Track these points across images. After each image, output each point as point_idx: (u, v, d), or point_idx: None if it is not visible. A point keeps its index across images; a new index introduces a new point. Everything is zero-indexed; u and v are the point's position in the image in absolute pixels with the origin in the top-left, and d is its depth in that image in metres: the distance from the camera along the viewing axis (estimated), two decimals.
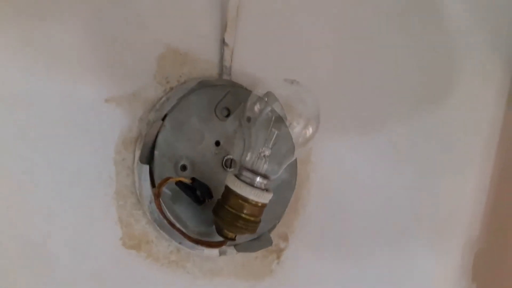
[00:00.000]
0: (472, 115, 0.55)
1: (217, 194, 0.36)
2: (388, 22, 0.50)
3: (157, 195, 0.34)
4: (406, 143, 0.51)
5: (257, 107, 0.38)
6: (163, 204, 0.36)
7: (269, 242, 0.41)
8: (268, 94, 0.39)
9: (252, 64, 0.43)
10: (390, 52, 0.50)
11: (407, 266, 0.51)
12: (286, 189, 0.42)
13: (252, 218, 0.35)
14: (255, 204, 0.35)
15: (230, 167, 0.40)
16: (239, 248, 0.40)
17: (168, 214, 0.37)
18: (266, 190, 0.36)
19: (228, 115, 0.40)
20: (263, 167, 0.36)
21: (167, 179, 0.34)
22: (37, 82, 0.35)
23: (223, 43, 0.41)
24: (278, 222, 0.43)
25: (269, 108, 0.38)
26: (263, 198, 0.36)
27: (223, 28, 0.41)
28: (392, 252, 0.49)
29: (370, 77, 0.49)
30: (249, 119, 0.39)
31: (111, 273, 0.37)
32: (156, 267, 0.38)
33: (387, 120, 0.50)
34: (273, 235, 0.43)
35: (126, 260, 0.37)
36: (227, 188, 0.36)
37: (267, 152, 0.37)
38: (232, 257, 0.41)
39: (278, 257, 0.44)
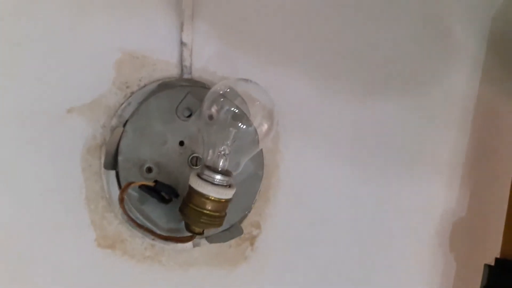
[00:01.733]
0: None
1: (185, 192, 0.38)
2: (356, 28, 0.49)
3: (121, 200, 0.36)
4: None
5: (215, 105, 0.39)
6: (130, 207, 0.38)
7: (240, 232, 0.43)
8: (230, 90, 0.40)
9: (212, 61, 0.43)
10: (356, 43, 0.50)
11: (377, 259, 0.51)
12: (253, 180, 0.44)
13: (216, 214, 0.37)
14: (218, 201, 0.37)
15: (196, 164, 0.41)
16: (211, 239, 0.42)
17: (138, 215, 0.39)
18: (229, 186, 0.38)
19: (190, 115, 0.41)
20: (224, 164, 0.38)
21: (129, 184, 0.36)
22: None
23: (181, 42, 0.42)
24: (249, 212, 0.45)
25: (227, 107, 0.39)
26: (225, 194, 0.37)
27: (180, 27, 0.41)
28: (362, 235, 0.50)
29: (333, 70, 0.49)
30: (210, 117, 0.40)
31: (89, 272, 0.39)
32: (132, 263, 0.41)
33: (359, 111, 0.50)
34: (245, 223, 0.45)
35: (103, 259, 0.39)
36: (190, 187, 0.37)
37: (227, 150, 0.38)
38: (206, 247, 0.44)
39: (252, 244, 0.46)
